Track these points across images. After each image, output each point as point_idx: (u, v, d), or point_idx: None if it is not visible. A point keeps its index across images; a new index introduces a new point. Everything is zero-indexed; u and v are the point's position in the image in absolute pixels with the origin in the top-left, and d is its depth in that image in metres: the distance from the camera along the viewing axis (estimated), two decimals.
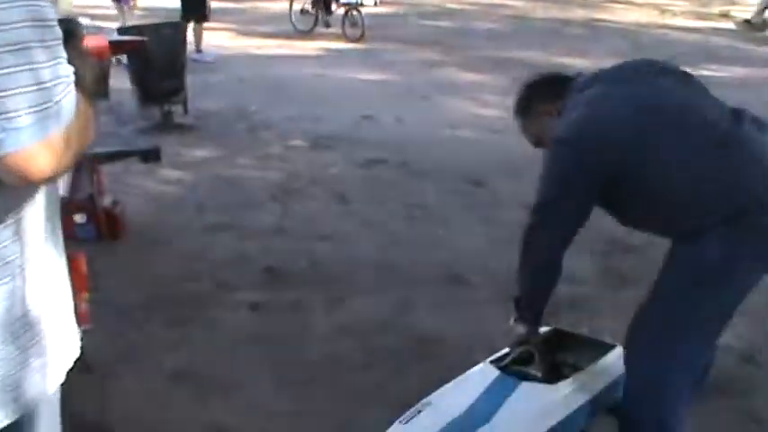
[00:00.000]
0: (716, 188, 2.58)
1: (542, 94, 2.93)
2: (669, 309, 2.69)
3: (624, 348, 2.84)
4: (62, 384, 1.67)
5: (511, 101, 3.09)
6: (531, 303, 2.91)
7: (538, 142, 2.96)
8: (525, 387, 2.74)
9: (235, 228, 5.82)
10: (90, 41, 5.28)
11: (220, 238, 5.62)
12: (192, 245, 5.49)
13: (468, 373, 2.95)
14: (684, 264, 2.66)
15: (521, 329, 2.94)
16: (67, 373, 1.66)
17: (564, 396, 2.76)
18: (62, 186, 3.47)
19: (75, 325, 1.72)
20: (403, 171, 7.67)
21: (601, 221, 2.98)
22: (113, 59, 8.37)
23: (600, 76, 2.84)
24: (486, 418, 2.61)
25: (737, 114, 2.69)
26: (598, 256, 5.56)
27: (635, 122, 2.65)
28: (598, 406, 2.93)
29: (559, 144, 2.67)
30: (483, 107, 10.26)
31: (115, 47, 5.81)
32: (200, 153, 7.88)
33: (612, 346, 3.16)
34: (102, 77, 5.46)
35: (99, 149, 5.32)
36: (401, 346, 4.21)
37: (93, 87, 1.57)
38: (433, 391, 3.67)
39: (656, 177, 2.61)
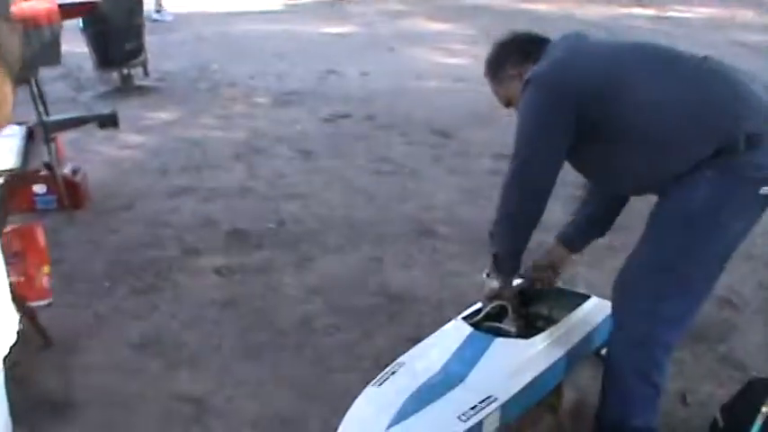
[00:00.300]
0: (697, 127, 2.50)
1: (514, 56, 2.82)
2: (659, 261, 2.63)
3: (613, 300, 2.78)
4: (7, 361, 1.59)
5: (478, 49, 2.99)
6: (510, 254, 2.83)
7: (509, 103, 2.88)
8: (500, 343, 2.67)
9: (199, 190, 5.70)
10: (38, 5, 5.13)
11: (185, 201, 5.51)
12: (156, 210, 5.37)
13: (441, 330, 2.88)
14: (672, 211, 2.59)
15: (494, 283, 2.86)
16: (29, 349, 1.58)
17: (539, 351, 2.70)
18: (14, 158, 3.34)
19: (12, 308, 1.63)
20: (369, 125, 7.57)
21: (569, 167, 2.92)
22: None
23: (574, 34, 2.78)
24: (462, 377, 2.54)
25: (709, 58, 2.63)
26: (570, 201, 5.50)
27: (612, 63, 2.62)
28: (574, 359, 2.88)
29: (536, 83, 2.59)
30: (449, 57, 10.15)
31: (66, 10, 5.61)
32: (162, 115, 7.72)
33: (587, 297, 3.10)
34: (53, 42, 5.33)
35: (55, 117, 5.19)
36: (371, 305, 4.15)
37: (15, 61, 1.44)
38: (404, 351, 3.63)
39: (636, 119, 2.53)
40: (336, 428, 3.08)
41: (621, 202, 3.08)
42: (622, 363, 2.77)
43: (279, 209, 5.44)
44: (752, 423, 2.77)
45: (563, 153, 2.62)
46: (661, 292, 2.62)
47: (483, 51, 3.02)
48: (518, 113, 2.66)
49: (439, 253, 4.80)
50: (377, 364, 3.58)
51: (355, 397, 3.27)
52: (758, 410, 2.80)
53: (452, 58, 10.02)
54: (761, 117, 2.50)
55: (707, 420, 3.08)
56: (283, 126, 7.43)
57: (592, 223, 3.14)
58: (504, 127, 7.58)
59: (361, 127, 7.52)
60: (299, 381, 3.45)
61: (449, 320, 3.86)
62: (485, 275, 2.88)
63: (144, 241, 4.84)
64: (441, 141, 7.04)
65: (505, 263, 2.81)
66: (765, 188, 2.53)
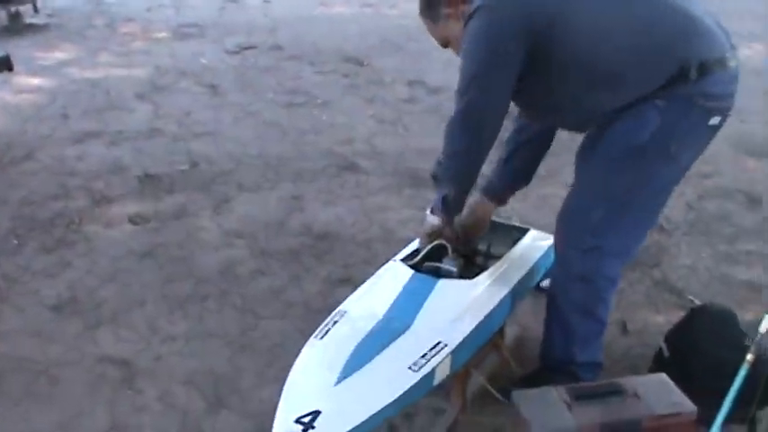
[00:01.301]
0: (650, 56, 2.40)
1: None
2: (606, 194, 2.54)
3: (556, 235, 2.69)
4: None
5: None
6: (459, 195, 2.69)
7: (446, 44, 2.71)
8: (443, 285, 2.55)
9: (104, 134, 5.43)
10: None
11: (90, 146, 5.23)
12: (60, 158, 5.07)
13: (380, 274, 2.74)
14: (621, 142, 2.49)
15: (435, 221, 2.73)
16: None
17: (485, 290, 2.60)
18: None
19: None
20: (277, 55, 7.34)
21: None
22: None
23: None
24: (407, 323, 2.43)
25: None
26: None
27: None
28: (519, 295, 2.80)
29: (486, 12, 2.43)
30: None
31: None
32: (57, 55, 7.33)
33: (525, 230, 3.02)
34: None
35: None
36: (296, 246, 4.00)
37: None
38: (335, 295, 3.53)
39: (587, 48, 2.41)
40: (273, 380, 3.00)
41: (546, 146, 2.97)
42: (566, 299, 2.70)
43: (189, 149, 5.22)
44: (696, 352, 2.77)
45: (512, 88, 2.49)
46: (606, 225, 2.55)
47: None
48: (464, 46, 2.50)
49: (362, 188, 4.67)
50: (308, 309, 3.47)
51: (289, 347, 3.18)
52: (701, 339, 2.80)
53: None
54: (711, 45, 2.43)
55: (648, 348, 3.07)
56: (186, 60, 7.15)
57: (518, 173, 3.01)
58: (414, 54, 7.49)
59: (269, 58, 7.28)
60: (228, 332, 3.30)
61: (379, 259, 3.79)
62: (428, 213, 2.75)
63: (50, 193, 4.57)
64: (353, 70, 6.87)
65: (453, 203, 2.69)
66: (715, 118, 2.47)
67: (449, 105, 5.87)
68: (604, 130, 2.50)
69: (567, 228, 2.65)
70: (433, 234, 2.73)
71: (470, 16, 2.46)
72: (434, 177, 2.73)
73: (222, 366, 3.09)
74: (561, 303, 2.72)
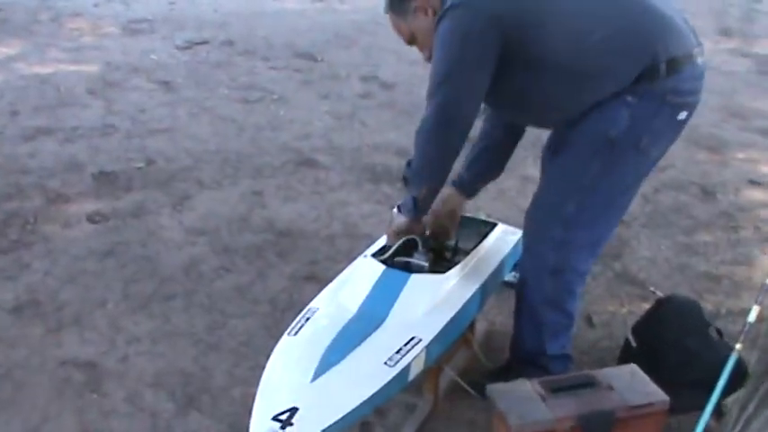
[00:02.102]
0: (622, 55, 2.42)
1: None
2: (575, 188, 2.56)
3: (525, 229, 2.71)
4: None
5: None
6: (431, 195, 2.69)
7: (412, 40, 2.68)
8: (415, 280, 2.56)
9: (57, 131, 5.32)
10: None
11: (43, 144, 5.13)
12: (11, 156, 4.96)
13: (350, 269, 2.74)
14: (591, 137, 2.51)
15: (402, 219, 2.72)
16: None
17: (457, 285, 2.61)
18: None
19: None
20: (229, 51, 7.28)
21: None
22: None
23: None
24: (381, 319, 2.43)
25: None
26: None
27: None
28: (489, 289, 2.82)
29: (461, 8, 2.41)
30: None
31: None
32: (2, 50, 7.17)
33: (493, 224, 3.03)
34: None
35: None
36: (259, 243, 3.98)
37: None
38: (301, 291, 3.52)
39: (561, 47, 2.41)
40: (243, 379, 2.98)
41: (516, 140, 2.99)
42: (535, 293, 2.72)
43: (145, 146, 5.15)
44: (662, 342, 2.81)
45: (485, 88, 2.49)
46: (577, 219, 2.57)
47: None
48: (436, 47, 2.48)
49: (321, 183, 4.66)
50: (274, 307, 3.46)
51: (257, 345, 3.17)
52: (667, 329, 2.85)
53: None
54: (680, 42, 2.47)
55: (615, 341, 3.12)
56: (137, 56, 7.05)
57: (488, 166, 3.02)
58: (367, 48, 7.49)
59: (221, 53, 7.22)
60: (194, 331, 3.27)
61: (343, 255, 3.80)
62: (394, 211, 2.75)
63: (2, 192, 4.47)
64: (307, 65, 6.84)
65: (423, 204, 2.69)
66: (683, 113, 2.51)
67: (403, 100, 5.98)
68: (575, 125, 2.52)
69: (538, 222, 2.67)
70: (402, 233, 2.73)
71: (442, 16, 2.44)
72: (405, 179, 2.72)
73: (190, 366, 3.06)
74: (531, 296, 2.74)
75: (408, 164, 2.67)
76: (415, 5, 2.58)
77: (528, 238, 2.71)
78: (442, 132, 2.51)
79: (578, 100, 2.49)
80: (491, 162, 3.00)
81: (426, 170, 2.61)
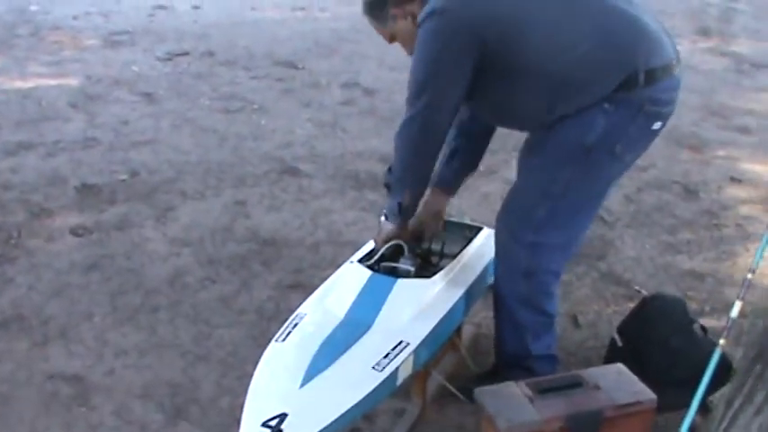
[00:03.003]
0: (602, 65, 2.45)
1: None
2: (548, 191, 2.57)
3: (498, 231, 2.72)
4: None
5: None
6: (415, 200, 2.70)
7: (392, 39, 2.70)
8: (402, 285, 2.56)
9: (39, 145, 5.30)
10: None
11: (25, 158, 5.11)
12: None
13: (338, 275, 2.74)
14: (567, 142, 2.53)
15: (389, 226, 2.73)
16: None
17: (443, 289, 2.62)
18: None
19: None
20: (209, 61, 7.28)
21: None
22: None
23: None
24: (369, 324, 2.43)
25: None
26: None
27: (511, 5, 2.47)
28: (476, 293, 2.83)
29: (440, 17, 2.42)
30: None
31: None
32: None
33: (478, 228, 3.04)
34: None
35: None
36: (243, 252, 3.98)
37: None
38: (286, 300, 3.52)
39: (541, 57, 2.43)
40: (231, 389, 2.98)
41: (492, 132, 3.00)
42: (510, 294, 2.74)
43: (128, 158, 5.14)
44: (648, 340, 2.83)
45: (464, 92, 2.50)
46: (549, 222, 2.59)
47: None
48: (416, 52, 2.49)
49: (305, 192, 4.66)
50: (260, 316, 3.46)
51: (244, 354, 3.17)
52: (653, 327, 2.86)
53: None
54: (659, 52, 2.50)
55: (601, 341, 3.13)
56: (118, 68, 7.03)
57: (465, 161, 3.02)
58: (348, 56, 7.50)
59: (202, 64, 7.21)
60: (181, 343, 3.26)
61: (328, 262, 3.80)
62: (382, 219, 2.76)
63: None
64: (288, 74, 6.85)
65: (409, 208, 2.70)
66: (657, 123, 2.55)
67: (384, 107, 5.99)
68: (551, 130, 2.55)
69: (510, 224, 2.69)
70: (390, 240, 2.74)
71: (422, 21, 2.45)
72: (387, 186, 2.72)
73: (178, 377, 3.06)
74: (507, 299, 2.76)
75: (389, 170, 2.68)
76: (393, 13, 2.59)
77: (500, 241, 2.72)
78: (421, 138, 2.53)
79: (557, 109, 2.51)
80: (469, 156, 3.00)
81: (408, 175, 2.62)
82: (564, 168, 2.55)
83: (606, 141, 2.49)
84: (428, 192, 2.92)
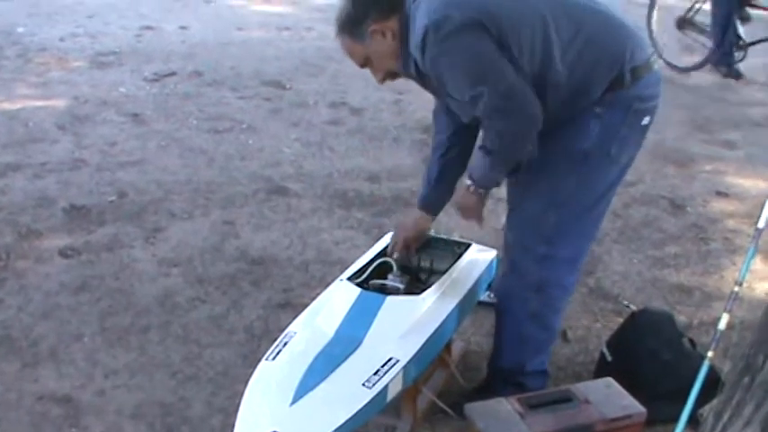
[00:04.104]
0: (593, 69, 2.48)
1: (375, 9, 2.53)
2: (555, 202, 2.61)
3: (507, 246, 2.75)
4: None
5: None
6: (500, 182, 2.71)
7: (365, 63, 2.63)
8: (391, 302, 2.58)
9: (27, 166, 5.29)
10: None
11: (13, 179, 5.10)
12: None
13: (327, 293, 2.75)
14: (564, 151, 2.55)
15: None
16: None
17: (432, 305, 2.63)
18: None
19: None
20: (197, 81, 7.27)
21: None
22: None
23: None
24: (358, 341, 2.45)
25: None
26: (416, 147, 5.49)
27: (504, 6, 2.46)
28: (465, 309, 2.84)
29: (441, 23, 2.36)
30: (269, 4, 9.86)
31: None
32: None
33: (466, 244, 3.06)
34: None
35: None
36: (233, 272, 3.98)
37: None
38: (276, 319, 3.52)
39: (533, 64, 2.44)
40: (221, 408, 2.98)
41: (468, 153, 2.93)
42: (521, 309, 2.75)
43: (116, 179, 5.13)
44: (637, 354, 2.85)
45: (517, 68, 2.41)
46: (558, 232, 2.62)
47: None
48: (452, 63, 2.42)
49: (293, 211, 4.67)
50: (250, 335, 3.46)
51: (234, 374, 3.17)
52: (642, 341, 2.88)
53: (274, 5, 9.73)
54: (639, 50, 2.55)
55: (590, 355, 3.14)
56: (106, 89, 7.02)
57: (447, 181, 2.96)
58: (335, 75, 7.52)
59: (189, 84, 7.21)
60: (171, 363, 3.26)
61: (317, 281, 3.81)
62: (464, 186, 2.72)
63: None
64: (275, 93, 6.86)
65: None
66: (646, 119, 2.59)
67: (372, 125, 6.02)
68: (547, 141, 2.55)
69: (521, 238, 2.71)
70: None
71: (433, 34, 2.39)
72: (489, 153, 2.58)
73: (168, 397, 3.06)
74: (516, 313, 2.77)
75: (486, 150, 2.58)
76: (371, 29, 2.53)
77: (510, 256, 2.75)
78: (510, 114, 2.45)
79: (553, 116, 2.51)
80: (452, 178, 2.96)
81: (510, 163, 2.59)
82: (566, 177, 2.58)
83: (602, 145, 2.53)
84: (415, 212, 2.96)
